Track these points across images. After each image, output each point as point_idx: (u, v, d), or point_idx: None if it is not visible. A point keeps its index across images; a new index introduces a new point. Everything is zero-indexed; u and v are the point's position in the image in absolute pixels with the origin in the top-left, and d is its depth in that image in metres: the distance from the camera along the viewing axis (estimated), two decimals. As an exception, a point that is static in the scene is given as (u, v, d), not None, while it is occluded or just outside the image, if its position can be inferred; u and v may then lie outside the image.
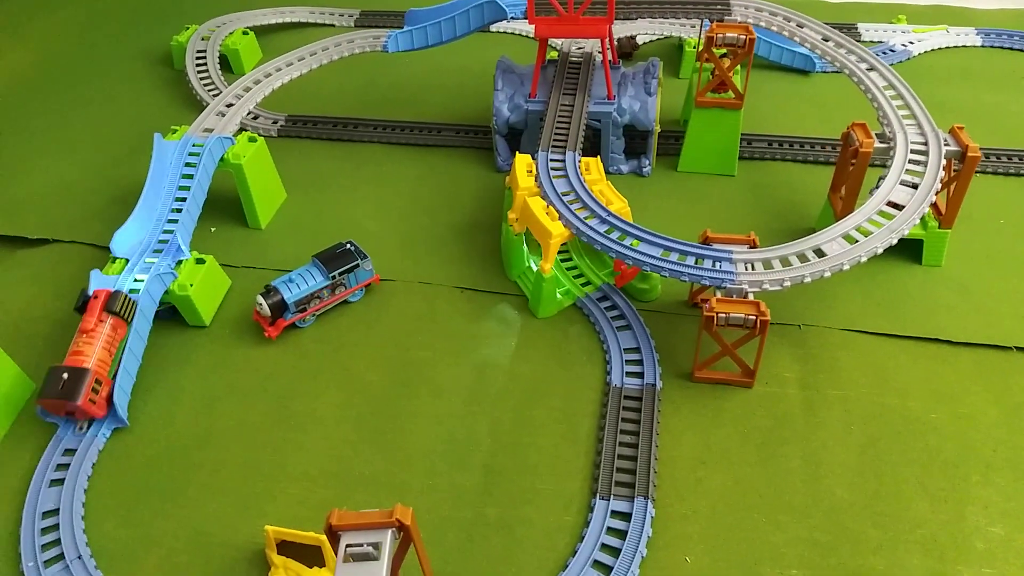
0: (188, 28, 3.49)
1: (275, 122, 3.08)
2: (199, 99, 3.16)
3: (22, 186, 2.81)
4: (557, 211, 2.15)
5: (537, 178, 2.27)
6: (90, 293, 2.05)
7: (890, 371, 2.02)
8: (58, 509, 1.80)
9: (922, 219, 2.25)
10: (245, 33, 3.49)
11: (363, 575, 1.26)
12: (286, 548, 1.66)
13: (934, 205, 2.27)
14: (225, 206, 2.59)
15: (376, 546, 1.28)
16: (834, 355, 2.08)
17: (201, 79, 3.24)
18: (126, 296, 2.05)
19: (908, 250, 2.29)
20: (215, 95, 3.14)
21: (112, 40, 3.75)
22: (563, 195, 2.20)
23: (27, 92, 3.38)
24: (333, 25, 3.81)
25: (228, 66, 3.43)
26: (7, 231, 2.60)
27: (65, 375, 1.90)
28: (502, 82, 2.70)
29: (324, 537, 1.60)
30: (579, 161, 2.34)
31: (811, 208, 2.55)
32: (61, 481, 1.86)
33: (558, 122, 2.51)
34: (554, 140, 2.43)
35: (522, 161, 2.33)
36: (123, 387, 2.01)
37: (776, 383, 2.01)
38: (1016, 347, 2.07)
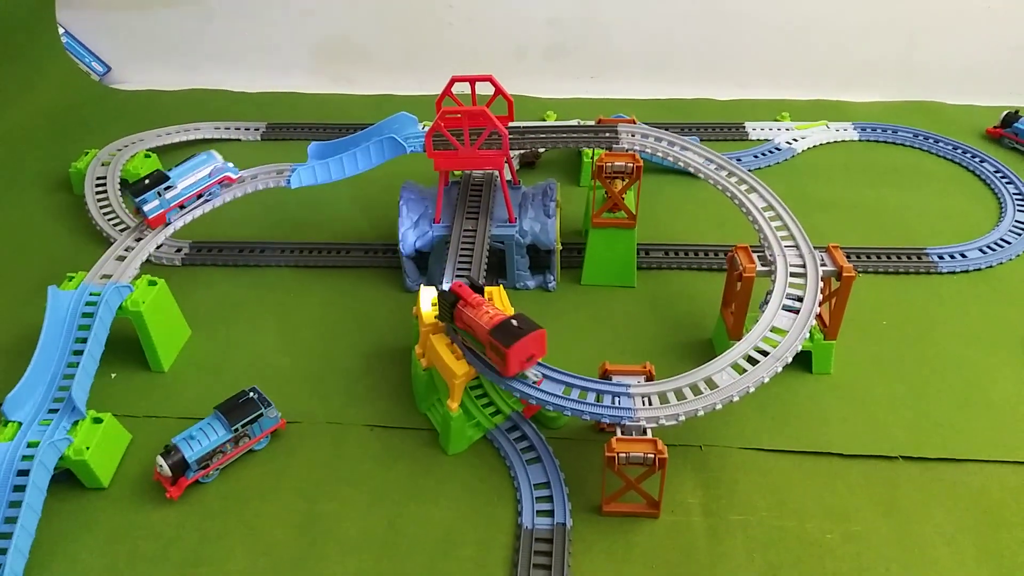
0: (88, 152, 3.44)
1: (179, 250, 3.04)
2: (102, 232, 3.10)
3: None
4: (460, 349, 2.18)
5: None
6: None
7: (786, 491, 2.10)
8: None
9: (809, 332, 2.37)
10: (147, 156, 3.45)
11: None
12: None
13: (819, 317, 2.40)
14: (127, 348, 2.52)
15: None
16: (734, 476, 2.15)
17: (103, 209, 3.19)
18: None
19: (799, 360, 2.39)
20: (117, 227, 3.09)
21: (6, 164, 3.66)
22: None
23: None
24: (240, 140, 3.82)
25: (132, 190, 3.39)
26: None
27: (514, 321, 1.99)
28: (407, 209, 2.75)
29: None
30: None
31: (707, 318, 2.65)
32: None
33: (461, 250, 2.56)
34: (457, 270, 2.48)
35: (427, 293, 2.36)
36: (14, 569, 1.92)
37: (681, 511, 2.07)
38: (902, 456, 2.18)
